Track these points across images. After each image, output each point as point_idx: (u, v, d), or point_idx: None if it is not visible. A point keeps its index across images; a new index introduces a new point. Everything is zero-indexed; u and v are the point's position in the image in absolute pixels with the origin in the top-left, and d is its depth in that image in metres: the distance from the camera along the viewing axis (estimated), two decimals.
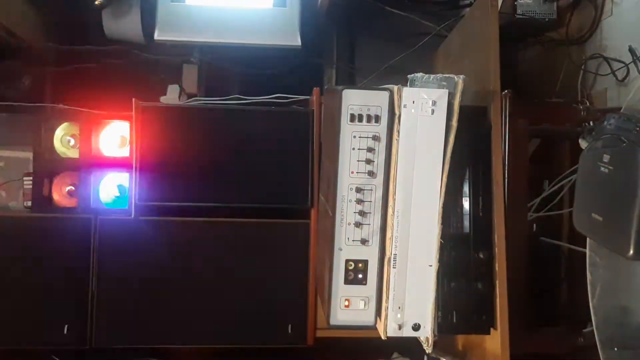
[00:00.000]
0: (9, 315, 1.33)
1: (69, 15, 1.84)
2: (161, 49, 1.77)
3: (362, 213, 1.04)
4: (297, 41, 1.69)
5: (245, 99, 1.57)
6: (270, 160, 1.39)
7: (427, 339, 1.05)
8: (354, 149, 1.03)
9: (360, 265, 1.04)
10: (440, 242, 1.03)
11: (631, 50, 1.60)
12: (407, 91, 1.01)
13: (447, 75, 1.03)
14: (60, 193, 1.44)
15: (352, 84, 1.94)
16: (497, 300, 1.10)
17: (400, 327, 1.03)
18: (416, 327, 1.04)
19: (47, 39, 1.78)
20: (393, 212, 1.03)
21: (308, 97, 1.51)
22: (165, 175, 1.36)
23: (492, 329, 1.11)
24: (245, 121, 1.40)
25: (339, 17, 1.94)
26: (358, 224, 1.04)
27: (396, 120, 1.01)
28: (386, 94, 1.02)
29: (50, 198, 1.44)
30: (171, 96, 1.76)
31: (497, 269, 1.10)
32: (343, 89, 1.02)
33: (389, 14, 1.84)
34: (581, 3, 1.90)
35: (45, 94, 1.72)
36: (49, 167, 1.46)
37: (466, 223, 1.12)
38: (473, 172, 1.13)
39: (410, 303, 1.03)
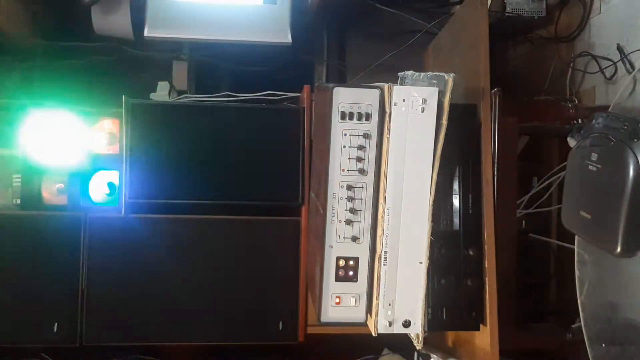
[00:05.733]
0: None
1: (58, 11, 1.82)
2: (151, 45, 1.76)
3: (352, 211, 1.04)
4: (288, 38, 1.68)
5: (236, 96, 1.56)
6: (260, 157, 1.39)
7: (417, 335, 1.06)
8: (344, 146, 1.03)
9: (351, 262, 1.05)
10: (431, 239, 1.04)
11: (619, 49, 1.62)
12: (397, 89, 1.02)
13: (437, 74, 1.03)
14: (50, 191, 1.43)
15: (342, 81, 1.94)
16: (487, 296, 1.11)
17: (390, 324, 1.04)
18: (406, 324, 1.04)
19: (35, 35, 1.77)
20: (384, 210, 1.03)
21: (298, 94, 1.50)
22: (156, 173, 1.35)
23: (481, 326, 1.12)
24: (235, 118, 1.40)
25: (329, 14, 1.93)
26: (349, 222, 1.04)
27: (387, 118, 1.02)
28: (377, 92, 1.02)
29: (39, 196, 1.43)
30: (161, 93, 1.75)
31: (486, 265, 1.11)
32: (334, 87, 1.02)
33: (379, 12, 1.84)
34: (570, 1, 1.91)
35: (33, 91, 1.70)
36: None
37: (456, 220, 1.13)
38: (463, 169, 1.13)
39: (400, 300, 1.04)
